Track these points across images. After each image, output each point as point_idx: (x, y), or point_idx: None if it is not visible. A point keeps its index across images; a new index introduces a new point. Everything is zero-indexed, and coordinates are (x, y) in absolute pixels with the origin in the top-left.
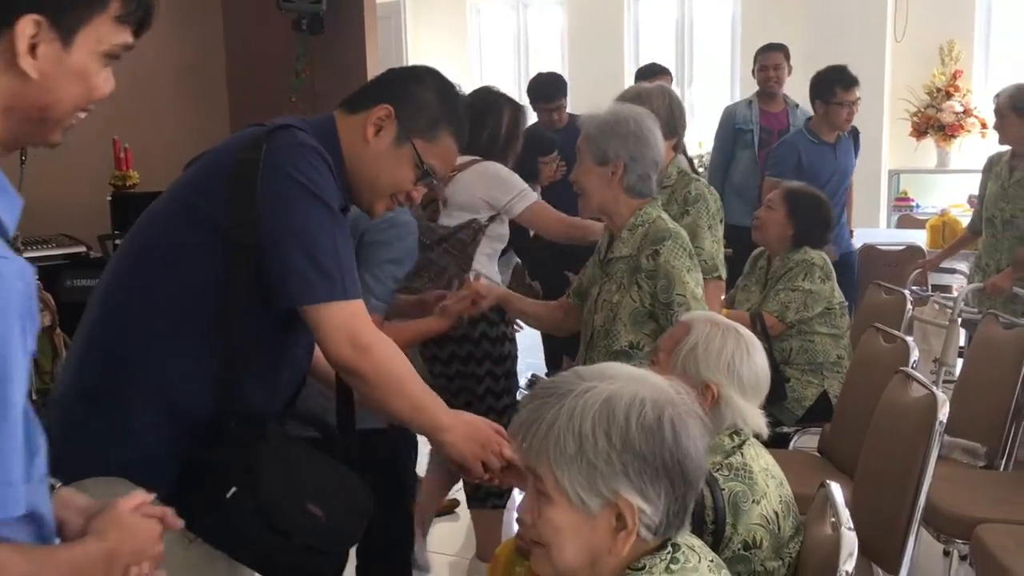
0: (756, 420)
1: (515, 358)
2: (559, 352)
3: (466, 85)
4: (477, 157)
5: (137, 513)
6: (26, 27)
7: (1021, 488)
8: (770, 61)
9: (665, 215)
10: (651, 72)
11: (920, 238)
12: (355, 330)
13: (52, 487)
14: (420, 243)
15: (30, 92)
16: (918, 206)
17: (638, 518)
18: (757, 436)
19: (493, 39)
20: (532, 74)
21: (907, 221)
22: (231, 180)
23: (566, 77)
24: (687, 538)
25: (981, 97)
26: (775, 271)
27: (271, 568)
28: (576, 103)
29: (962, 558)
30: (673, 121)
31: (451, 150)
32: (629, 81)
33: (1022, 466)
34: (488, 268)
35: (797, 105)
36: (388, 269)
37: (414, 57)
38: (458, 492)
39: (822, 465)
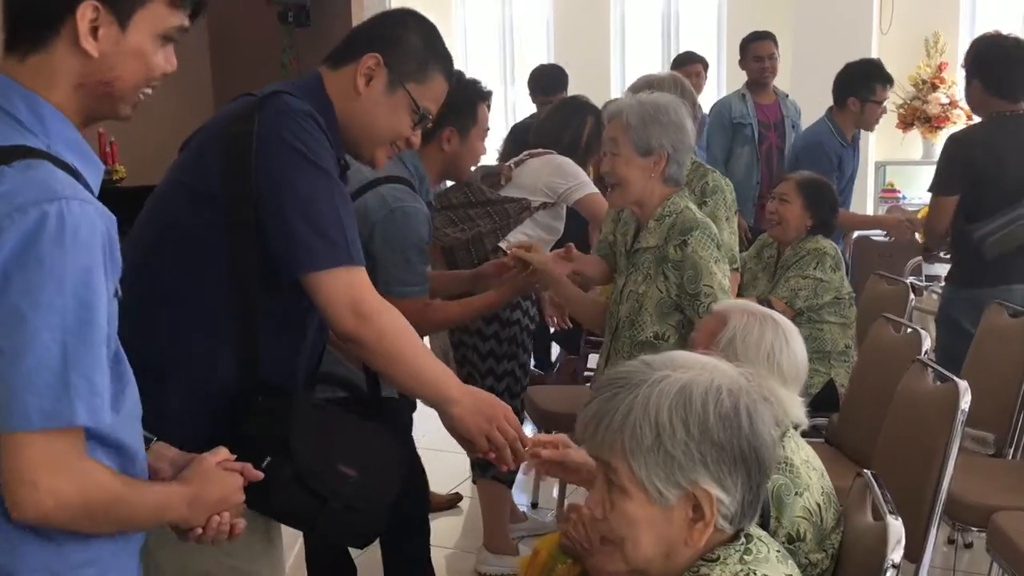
0: (796, 410)
1: (520, 343)
2: (547, 343)
3: None
4: (552, 151)
5: (221, 466)
6: (86, 11)
7: None
8: (764, 51)
9: (692, 205)
10: (688, 60)
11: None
12: (357, 298)
13: (148, 440)
14: (466, 199)
15: (94, 70)
16: (904, 197)
17: (716, 508)
18: (796, 426)
19: (478, 29)
20: (517, 64)
21: (894, 212)
22: (224, 155)
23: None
24: (754, 528)
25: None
26: (786, 259)
27: (314, 529)
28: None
29: (966, 545)
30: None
31: (443, 89)
32: (615, 72)
33: None
34: None
35: (787, 95)
36: (413, 253)
37: None
38: (460, 486)
39: (833, 455)
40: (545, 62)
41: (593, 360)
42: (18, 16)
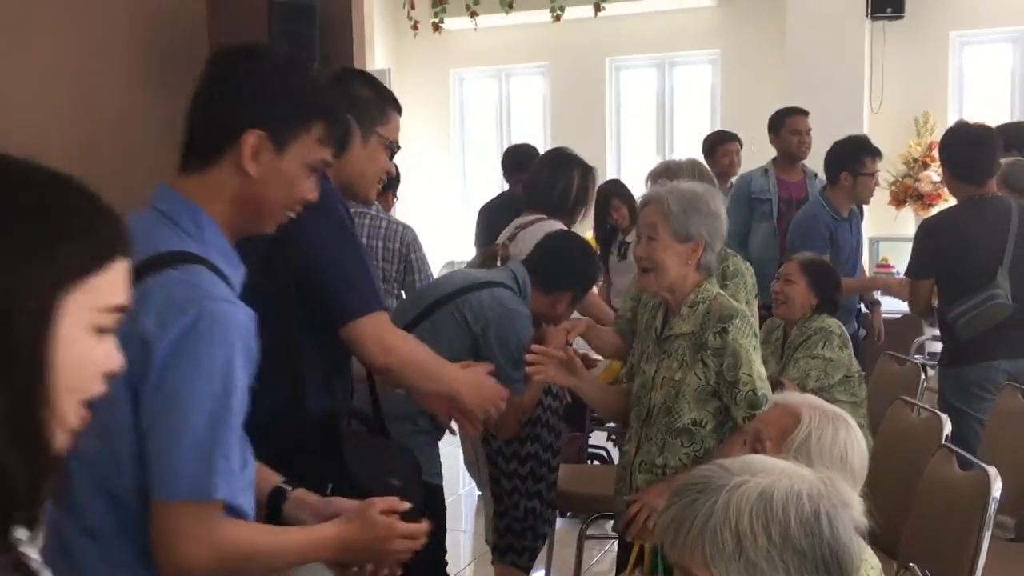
0: (858, 511)
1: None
2: None
3: (448, 151)
4: (543, 216)
5: (384, 514)
6: (251, 137)
7: None
8: (803, 125)
9: (723, 292)
10: (725, 138)
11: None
12: (382, 336)
13: (283, 491)
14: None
15: (250, 188)
16: (899, 272)
17: None
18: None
19: (476, 107)
20: (515, 142)
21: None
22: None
23: (549, 146)
24: None
25: None
26: (792, 340)
27: None
28: None
29: None
30: None
31: (398, 120)
32: (611, 150)
33: None
34: None
35: (816, 175)
36: (518, 353)
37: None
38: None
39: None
40: (541, 141)
41: (596, 437)
42: (195, 142)
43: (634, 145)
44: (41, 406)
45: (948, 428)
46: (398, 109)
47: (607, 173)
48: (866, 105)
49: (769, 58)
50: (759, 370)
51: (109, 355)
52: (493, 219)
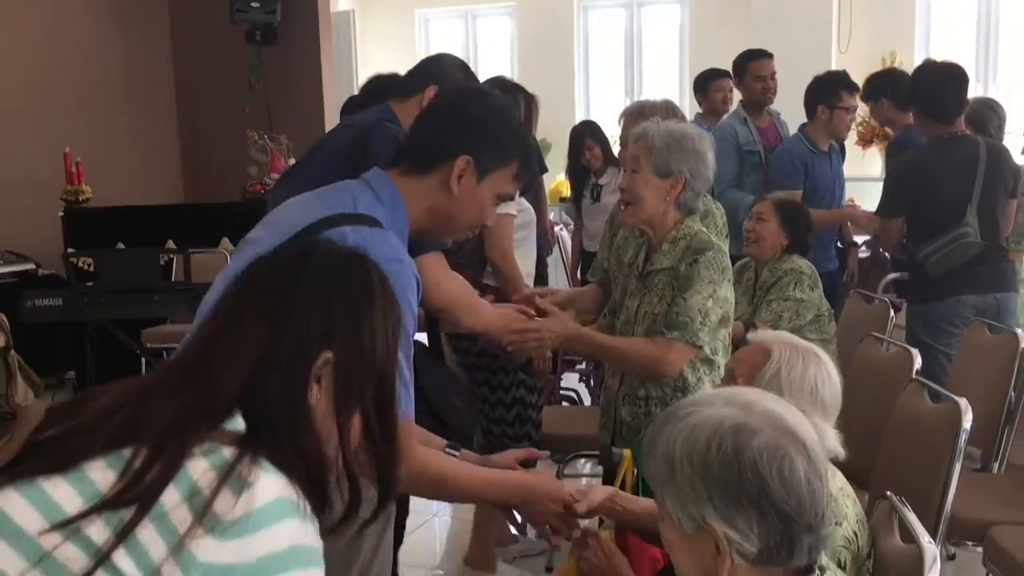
0: (833, 442)
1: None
2: None
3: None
4: None
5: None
6: (461, 162)
7: (1022, 490)
8: (766, 70)
9: (704, 229)
10: (717, 75)
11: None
12: (438, 275)
13: (453, 453)
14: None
15: (448, 203)
16: None
17: (729, 545)
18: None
19: (441, 48)
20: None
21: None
22: None
23: None
24: (825, 559)
25: None
26: (764, 281)
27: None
28: None
29: (950, 557)
30: None
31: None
32: (580, 91)
33: (1014, 468)
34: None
35: (779, 113)
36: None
37: (364, 67)
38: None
39: None
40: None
41: (569, 379)
42: (415, 151)
43: (603, 86)
44: (396, 426)
45: (918, 362)
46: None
47: (576, 114)
48: (834, 44)
49: None
50: (704, 305)
51: None
52: None
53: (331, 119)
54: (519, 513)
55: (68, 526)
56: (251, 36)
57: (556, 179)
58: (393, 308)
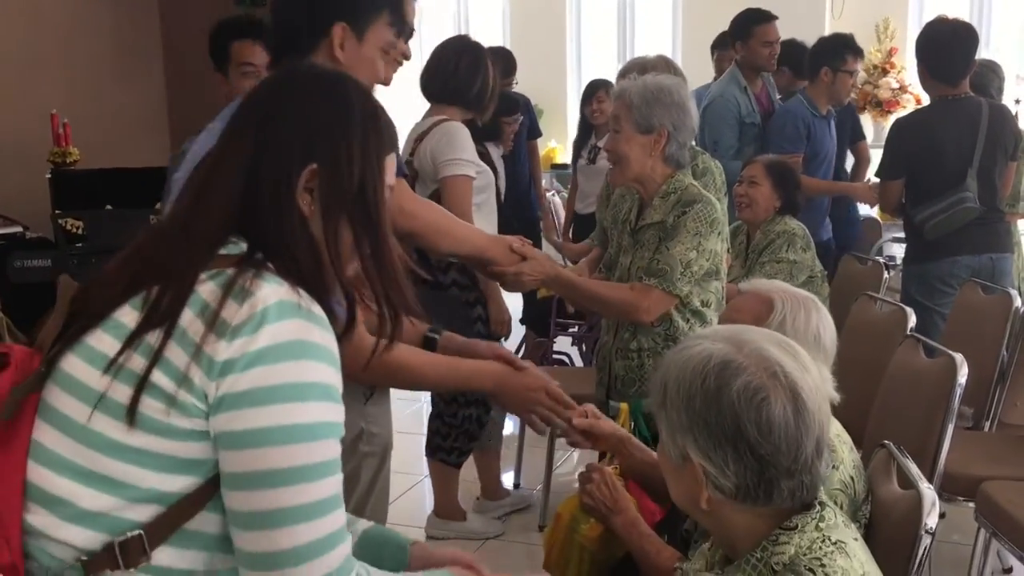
0: (830, 387)
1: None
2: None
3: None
4: (444, 117)
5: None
6: (338, 30)
7: (1013, 447)
8: (773, 34)
9: (696, 183)
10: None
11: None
12: (400, 203)
13: (434, 338)
14: None
15: None
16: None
17: (707, 478)
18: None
19: (433, 17)
20: None
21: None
22: None
23: None
24: (823, 494)
25: (915, 74)
26: (756, 243)
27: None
28: (519, 82)
29: (940, 515)
30: None
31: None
32: (572, 57)
33: (1005, 427)
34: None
35: (770, 76)
36: None
37: None
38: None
39: None
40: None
41: (562, 343)
42: (290, 39)
43: (595, 54)
44: (387, 241)
45: (913, 320)
46: None
47: (568, 81)
48: (827, 10)
49: None
50: (686, 256)
51: None
52: None
53: None
54: (495, 402)
55: (113, 366)
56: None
57: (547, 145)
58: (374, 122)
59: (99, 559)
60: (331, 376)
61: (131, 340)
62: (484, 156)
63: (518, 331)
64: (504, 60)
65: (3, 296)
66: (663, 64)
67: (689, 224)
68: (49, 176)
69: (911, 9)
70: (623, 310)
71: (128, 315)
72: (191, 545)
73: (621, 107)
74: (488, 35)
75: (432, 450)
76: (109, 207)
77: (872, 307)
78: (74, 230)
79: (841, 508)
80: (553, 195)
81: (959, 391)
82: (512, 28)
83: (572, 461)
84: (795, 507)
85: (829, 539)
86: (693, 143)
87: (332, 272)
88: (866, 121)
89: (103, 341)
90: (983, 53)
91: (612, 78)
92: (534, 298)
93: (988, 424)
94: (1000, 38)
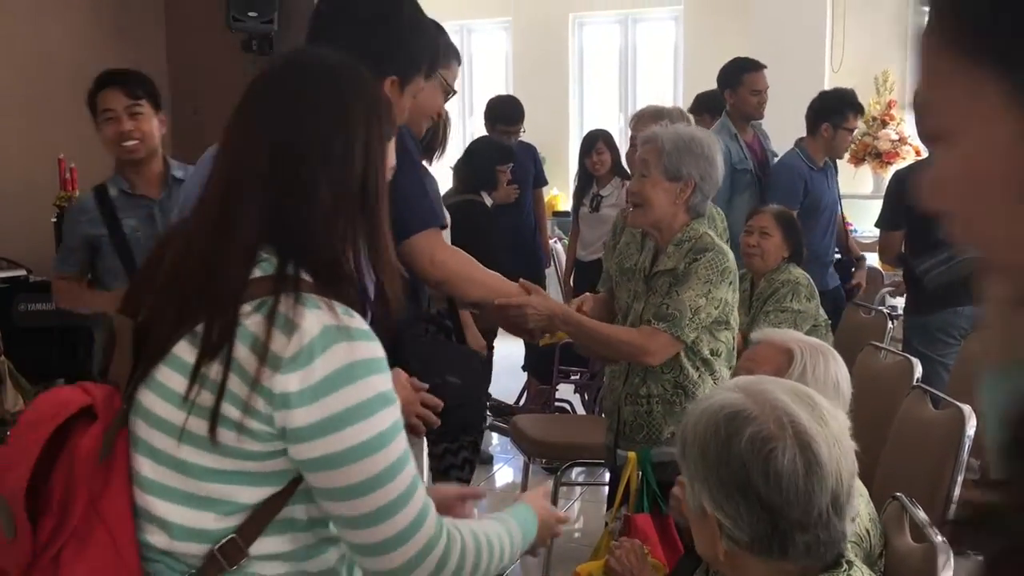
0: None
1: None
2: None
3: None
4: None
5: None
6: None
7: None
8: (763, 83)
9: (711, 232)
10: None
11: (871, 260)
12: (432, 251)
13: None
14: None
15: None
16: (856, 231)
17: (721, 530)
18: None
19: None
20: (475, 98)
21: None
22: None
23: None
24: (852, 554)
25: (914, 125)
26: (761, 292)
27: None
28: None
29: None
30: None
31: (457, 70)
32: (574, 105)
33: None
34: None
35: (760, 124)
36: None
37: None
38: None
39: None
40: (503, 92)
41: (564, 391)
42: None
43: (597, 101)
44: (383, 227)
45: (919, 371)
46: (459, 60)
47: (570, 129)
48: (827, 63)
49: (732, 15)
50: (696, 302)
51: None
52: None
53: None
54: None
55: (186, 402)
56: (247, 45)
57: (550, 193)
58: (375, 110)
59: (207, 567)
60: (384, 382)
61: (195, 376)
62: (476, 204)
63: (520, 377)
64: (510, 108)
65: (6, 340)
66: (678, 113)
67: (700, 271)
68: (55, 220)
69: (910, 61)
70: (629, 352)
71: (186, 351)
72: (284, 531)
73: (651, 152)
74: (491, 83)
75: (444, 472)
76: None
77: (877, 357)
78: None
79: None
80: (555, 242)
81: (968, 442)
82: (515, 76)
83: (574, 511)
84: (817, 564)
85: None
86: None
87: (351, 262)
88: (865, 172)
89: (172, 379)
90: None
91: (614, 126)
92: (537, 345)
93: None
94: None
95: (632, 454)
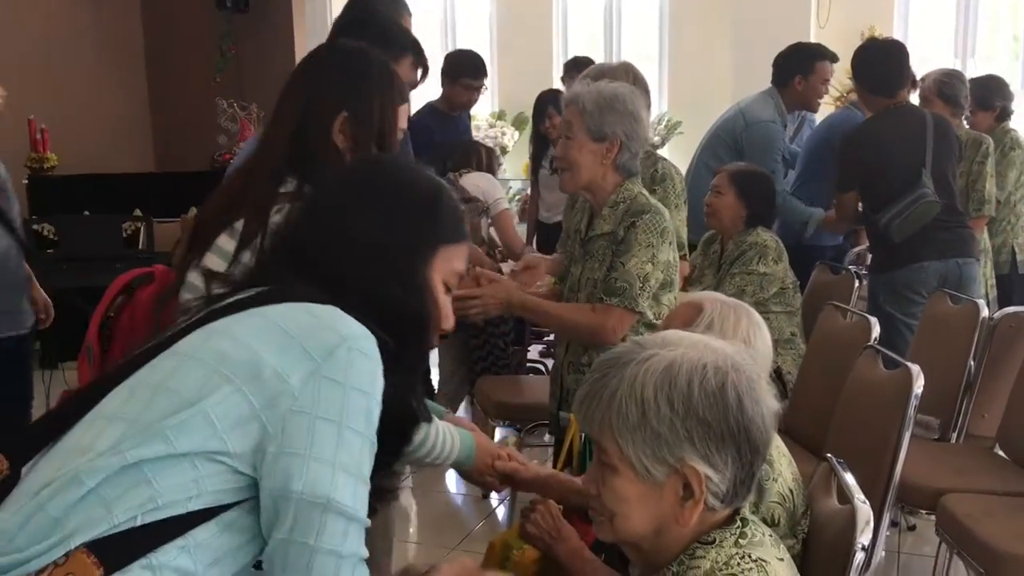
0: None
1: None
2: None
3: None
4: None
5: None
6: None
7: (977, 459)
8: (830, 74)
9: (645, 192)
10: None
11: None
12: None
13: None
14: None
15: None
16: None
17: (705, 486)
18: None
19: (419, 24)
20: None
21: None
22: None
23: (494, 65)
24: (748, 512)
25: None
26: (729, 254)
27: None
28: (505, 90)
29: (910, 528)
30: None
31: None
32: (557, 68)
33: (972, 439)
34: None
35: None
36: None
37: None
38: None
39: (785, 442)
40: (488, 60)
41: (535, 351)
42: None
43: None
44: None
45: (876, 330)
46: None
47: (554, 86)
48: (813, 18)
49: None
50: (643, 270)
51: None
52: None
53: None
54: None
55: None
56: (221, 3)
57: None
58: (388, 80)
59: None
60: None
61: (233, 260)
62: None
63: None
64: (475, 59)
65: None
66: (623, 71)
67: (640, 236)
68: (26, 181)
69: (896, 16)
70: (588, 333)
71: (226, 242)
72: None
73: (573, 113)
74: (475, 44)
75: None
76: (87, 213)
77: (838, 317)
78: (50, 236)
79: (779, 522)
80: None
81: (915, 402)
82: (498, 36)
83: None
84: (717, 520)
85: (749, 556)
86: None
87: None
88: None
89: (214, 263)
90: (969, 62)
91: None
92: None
93: (955, 436)
94: (991, 47)
95: (574, 416)
